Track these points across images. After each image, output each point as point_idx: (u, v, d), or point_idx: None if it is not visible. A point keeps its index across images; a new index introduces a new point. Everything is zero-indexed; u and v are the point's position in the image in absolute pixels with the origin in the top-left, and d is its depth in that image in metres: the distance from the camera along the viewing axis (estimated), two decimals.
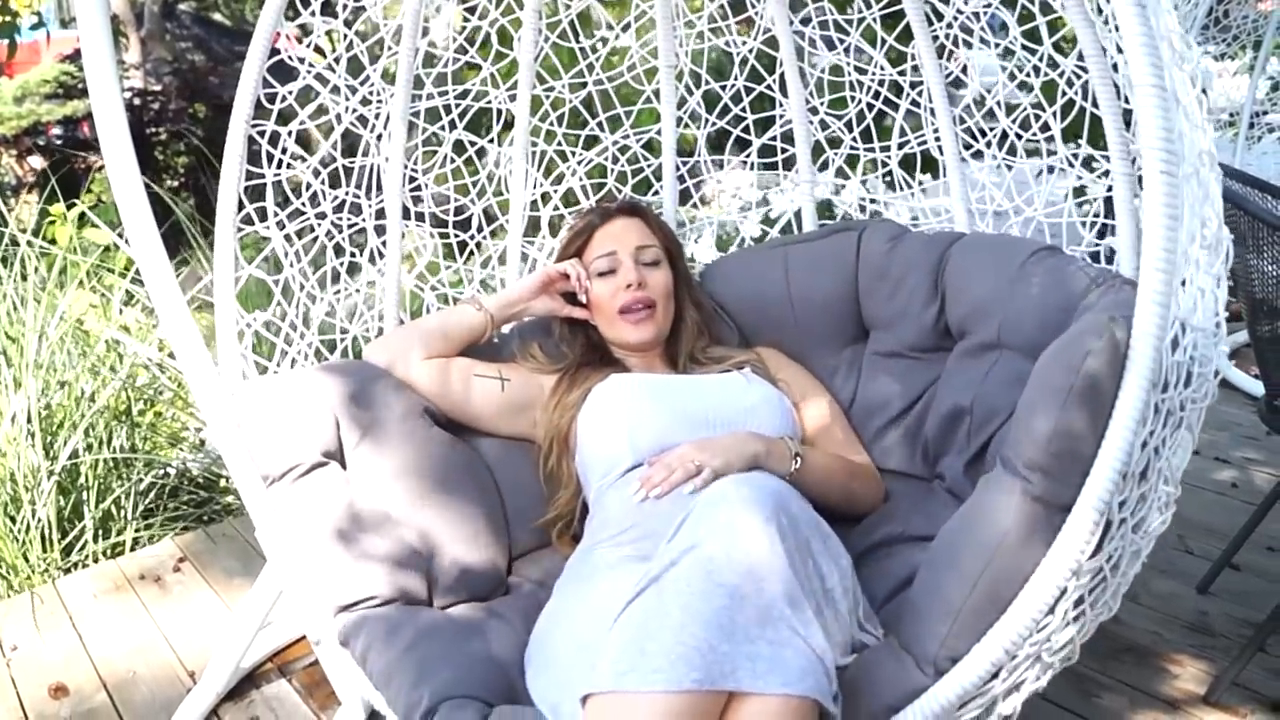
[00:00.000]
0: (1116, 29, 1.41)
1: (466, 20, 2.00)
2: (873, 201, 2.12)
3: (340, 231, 1.83)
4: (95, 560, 2.54)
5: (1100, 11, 1.51)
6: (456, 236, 2.06)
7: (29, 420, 2.54)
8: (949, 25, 1.90)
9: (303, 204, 1.77)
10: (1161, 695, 1.83)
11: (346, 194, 1.84)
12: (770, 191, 2.24)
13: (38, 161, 8.58)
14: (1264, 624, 1.80)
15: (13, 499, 2.49)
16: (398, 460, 1.54)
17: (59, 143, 8.67)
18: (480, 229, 2.08)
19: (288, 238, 1.74)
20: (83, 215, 3.57)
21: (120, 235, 3.29)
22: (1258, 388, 3.34)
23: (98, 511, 2.58)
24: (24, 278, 2.96)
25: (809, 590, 1.10)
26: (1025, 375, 1.29)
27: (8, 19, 5.44)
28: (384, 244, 1.91)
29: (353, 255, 1.86)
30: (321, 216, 1.80)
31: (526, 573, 1.63)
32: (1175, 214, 0.94)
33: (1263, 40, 4.17)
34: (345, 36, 1.76)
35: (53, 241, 3.48)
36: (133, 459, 2.72)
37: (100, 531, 2.58)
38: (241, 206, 1.65)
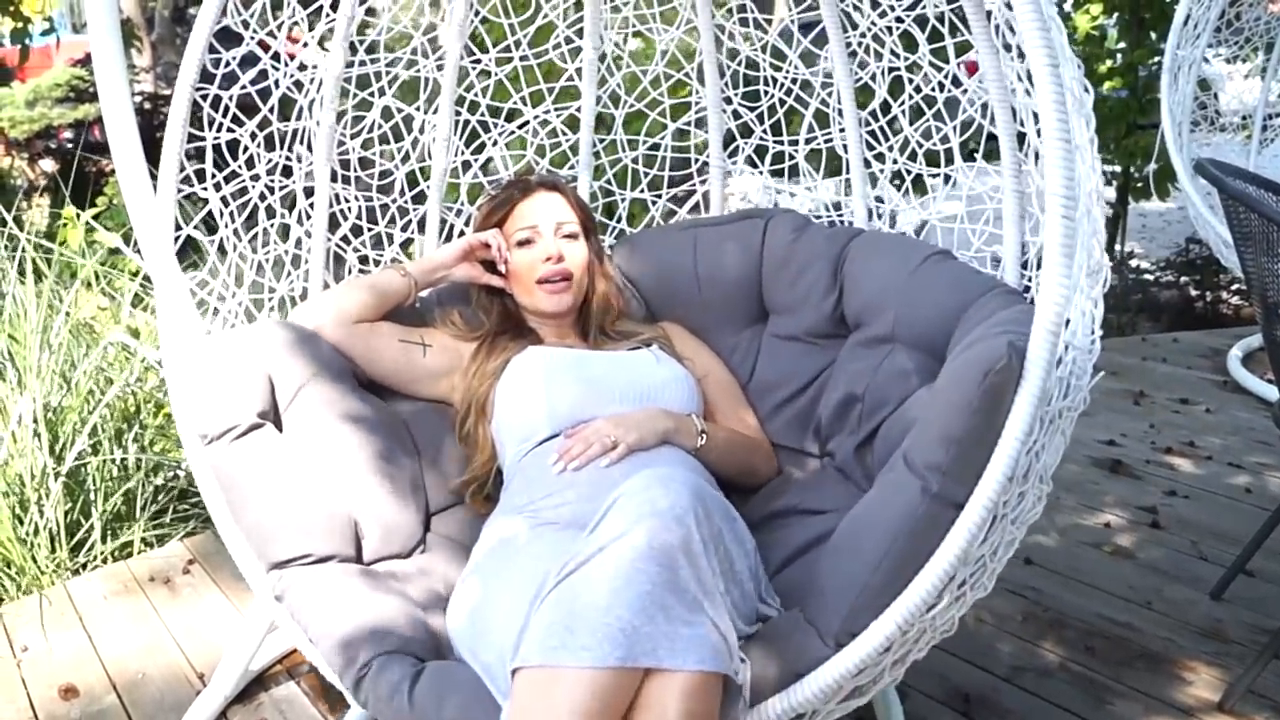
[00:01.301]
0: (1021, 58, 1.51)
1: None
2: (778, 191, 2.23)
3: (273, 194, 1.88)
4: (104, 562, 2.54)
5: (1008, 47, 1.59)
6: (379, 200, 2.10)
7: (36, 422, 2.54)
8: (862, 35, 1.99)
9: (239, 166, 1.82)
10: (1175, 702, 1.82)
11: (281, 157, 1.89)
12: (781, 197, 2.25)
13: (49, 165, 8.62)
14: (1279, 630, 1.79)
15: (20, 501, 2.49)
16: (328, 421, 1.59)
17: (70, 146, 8.71)
18: (402, 193, 2.13)
19: (224, 199, 1.80)
20: (95, 217, 3.58)
21: (127, 240, 3.30)
22: (1271, 392, 3.32)
23: (106, 513, 2.58)
24: (28, 278, 2.96)
25: (720, 573, 1.22)
26: (914, 369, 1.62)
27: (20, 24, 5.46)
28: (311, 206, 1.96)
29: (282, 216, 1.90)
30: (256, 179, 1.84)
31: (443, 530, 1.70)
32: (1070, 251, 1.06)
33: (1275, 42, 4.15)
34: (289, 5, 1.80)
35: (63, 244, 3.48)
36: (140, 460, 2.72)
37: (109, 533, 2.58)
38: (182, 169, 1.71)
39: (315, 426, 1.58)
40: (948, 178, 1.95)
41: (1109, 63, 4.85)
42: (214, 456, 1.49)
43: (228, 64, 1.75)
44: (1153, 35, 4.70)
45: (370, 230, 2.08)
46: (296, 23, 1.80)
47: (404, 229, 2.13)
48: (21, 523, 2.47)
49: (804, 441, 1.84)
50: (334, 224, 2.02)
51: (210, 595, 2.35)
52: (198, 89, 1.71)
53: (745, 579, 1.30)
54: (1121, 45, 5.01)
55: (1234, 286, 4.93)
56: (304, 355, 1.62)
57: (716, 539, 1.23)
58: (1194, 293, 5.09)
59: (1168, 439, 3.01)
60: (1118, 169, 4.78)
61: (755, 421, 1.86)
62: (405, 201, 2.13)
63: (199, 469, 1.52)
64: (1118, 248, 5.03)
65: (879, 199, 2.05)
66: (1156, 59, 4.43)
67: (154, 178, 1.59)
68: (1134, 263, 5.54)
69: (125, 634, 2.20)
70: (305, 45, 1.86)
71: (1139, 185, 4.72)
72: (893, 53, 1.95)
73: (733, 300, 2.00)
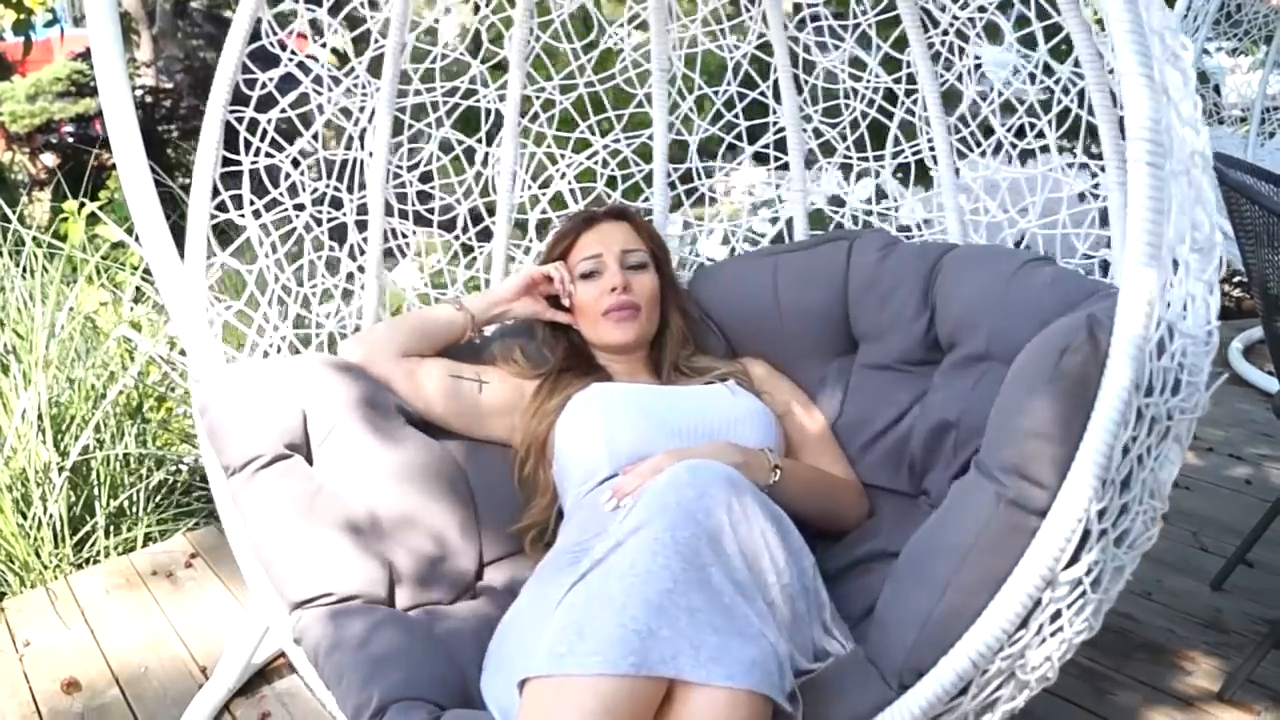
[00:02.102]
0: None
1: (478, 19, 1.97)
2: (867, 213, 2.07)
3: (319, 225, 1.81)
4: (107, 556, 2.54)
5: (1099, 22, 1.48)
6: (441, 236, 2.04)
7: (39, 417, 2.54)
8: (944, 32, 1.86)
9: (280, 194, 1.75)
10: (1175, 692, 1.82)
11: (327, 187, 1.82)
12: (783, 189, 2.20)
13: (51, 159, 8.61)
14: (1278, 621, 1.79)
15: (24, 495, 2.50)
16: (365, 458, 1.52)
17: (72, 140, 8.70)
18: (465, 229, 2.06)
19: (264, 228, 1.72)
20: (94, 213, 3.58)
21: (130, 233, 3.30)
22: (1272, 384, 3.32)
23: (109, 508, 2.59)
24: (32, 274, 2.97)
25: (762, 582, 1.09)
26: None
27: (22, 16, 5.46)
28: (364, 240, 1.89)
29: (332, 249, 1.84)
30: (300, 208, 1.78)
31: (495, 578, 1.62)
32: (1160, 206, 0.90)
33: (1274, 35, 4.15)
34: (332, 27, 1.75)
35: (64, 239, 3.49)
36: (144, 455, 2.73)
37: (112, 527, 2.59)
38: (218, 193, 1.63)
39: (350, 463, 1.51)
40: (1045, 178, 1.80)
41: None
42: (235, 488, 1.44)
43: (264, 85, 1.67)
44: None
45: (433, 267, 2.01)
46: (303, 35, 1.74)
47: (468, 266, 2.06)
48: (25, 517, 2.48)
49: (896, 480, 1.67)
50: (391, 260, 1.95)
51: (213, 589, 2.36)
52: (232, 110, 1.63)
53: (796, 596, 1.14)
54: None
55: (1235, 279, 4.92)
56: (343, 388, 1.55)
57: (758, 541, 1.11)
58: None
59: None
60: None
61: (843, 460, 1.71)
62: (469, 238, 2.05)
63: (222, 505, 1.47)
64: None
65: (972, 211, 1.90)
66: None
67: (154, 172, 1.58)
68: None
69: (128, 628, 2.21)
70: (323, 45, 1.80)
71: None
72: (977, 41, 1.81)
73: (818, 331, 1.85)
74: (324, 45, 1.73)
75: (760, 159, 2.16)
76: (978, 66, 1.85)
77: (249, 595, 2.29)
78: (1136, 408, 0.95)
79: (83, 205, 3.53)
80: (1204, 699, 1.80)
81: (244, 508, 1.43)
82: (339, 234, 1.85)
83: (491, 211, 2.08)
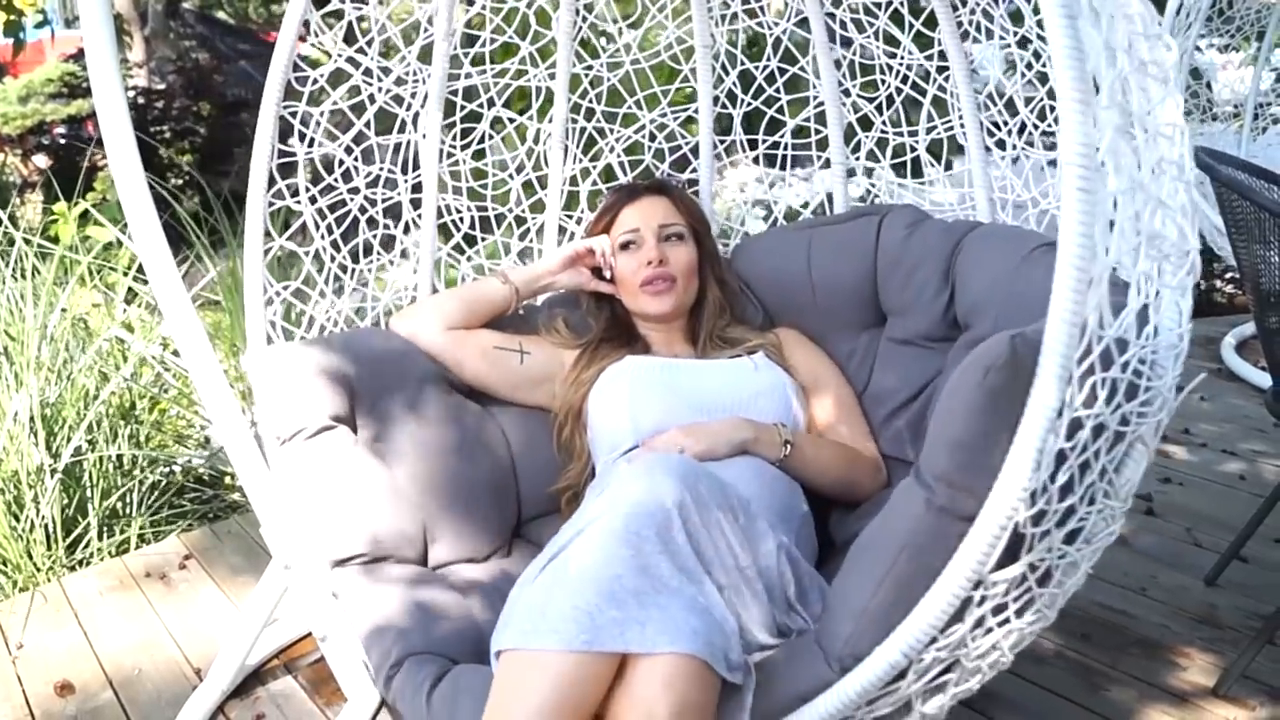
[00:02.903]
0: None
1: (499, 6, 2.03)
2: (901, 187, 2.13)
3: (373, 206, 1.92)
4: (100, 558, 2.54)
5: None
6: (494, 210, 2.13)
7: (31, 419, 2.54)
8: (972, 12, 1.90)
9: (335, 180, 1.85)
10: (1170, 688, 1.83)
11: (381, 169, 1.92)
12: (777, 188, 2.23)
13: (42, 161, 8.59)
14: (1272, 616, 1.79)
15: (16, 498, 2.49)
16: (408, 425, 1.63)
17: (63, 142, 8.68)
18: (519, 202, 2.15)
19: (319, 212, 1.82)
20: (85, 213, 3.57)
21: (124, 230, 3.29)
22: (1265, 380, 3.33)
23: (102, 509, 2.58)
24: (24, 275, 2.96)
25: (717, 568, 1.19)
26: None
27: (13, 18, 5.44)
28: (419, 216, 1.99)
29: (387, 227, 1.95)
30: (355, 191, 1.88)
31: (532, 534, 1.75)
32: (1089, 231, 0.92)
33: (1266, 32, 4.15)
34: (378, 21, 1.82)
35: (55, 240, 3.48)
36: (137, 456, 2.72)
37: (105, 529, 2.58)
38: (274, 182, 1.73)
39: (393, 431, 1.62)
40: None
41: None
42: (288, 456, 1.54)
43: (315, 81, 1.77)
44: None
45: (485, 240, 2.11)
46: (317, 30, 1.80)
47: (521, 238, 2.17)
48: (18, 519, 2.47)
49: (913, 452, 1.71)
50: (445, 234, 2.05)
51: (206, 590, 2.35)
52: (285, 106, 1.73)
53: (753, 578, 1.23)
54: None
55: (1227, 275, 4.93)
56: (389, 360, 1.68)
57: (712, 529, 1.20)
58: None
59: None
60: None
61: (865, 432, 1.78)
62: (523, 211, 2.14)
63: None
64: None
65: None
66: None
67: (149, 174, 1.58)
68: None
69: (121, 630, 2.20)
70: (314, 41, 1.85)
71: None
72: (1002, 29, 1.85)
73: (848, 304, 1.91)
74: (318, 45, 1.76)
75: (761, 158, 2.22)
76: (1003, 47, 1.88)
77: (243, 596, 2.29)
78: (1075, 419, 0.98)
79: (74, 204, 3.52)
80: (1199, 694, 1.80)
81: (290, 474, 1.55)
82: (393, 213, 1.96)
83: (544, 185, 2.18)
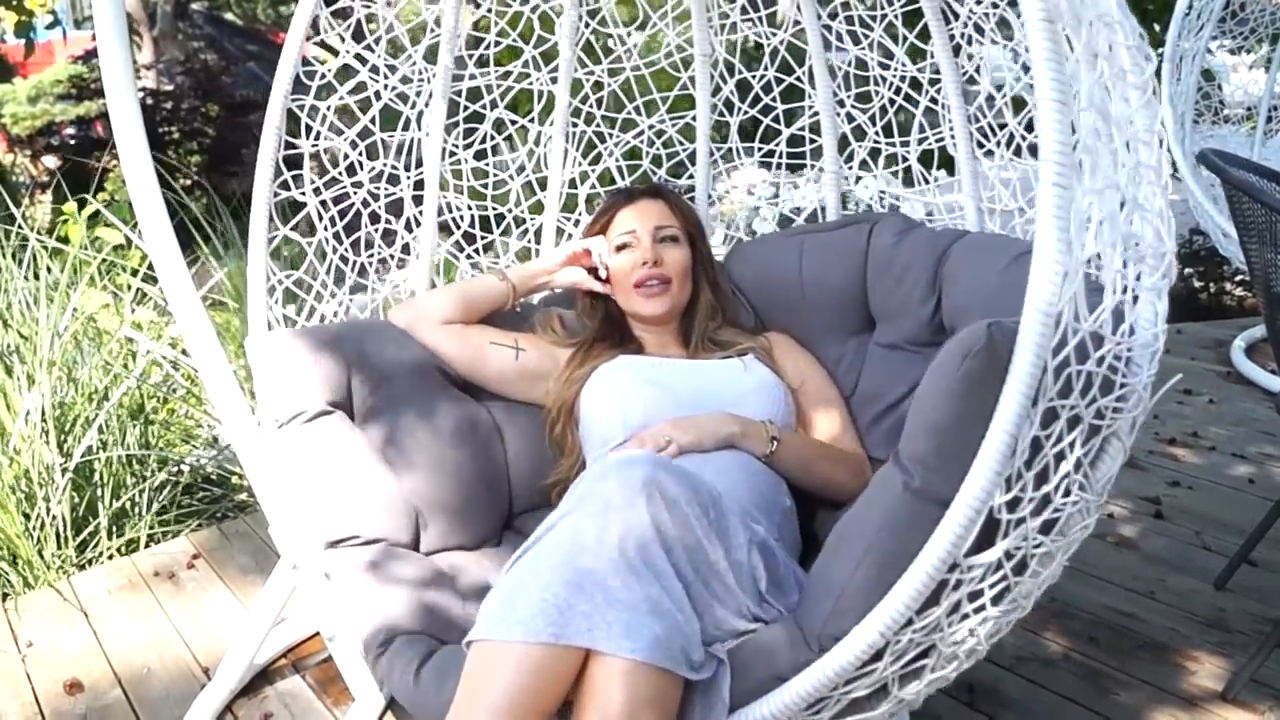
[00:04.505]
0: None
1: (504, 10, 2.06)
2: (894, 196, 2.16)
3: (376, 200, 1.95)
4: (110, 557, 2.54)
5: None
6: (494, 209, 2.16)
7: (43, 418, 2.55)
8: (964, 24, 1.92)
9: (339, 173, 1.89)
10: (1179, 692, 1.82)
11: (384, 165, 1.96)
12: (784, 189, 2.25)
13: (52, 161, 8.62)
14: None
15: (27, 496, 2.50)
16: (403, 414, 1.66)
17: (73, 143, 8.71)
18: (518, 203, 2.18)
19: (323, 204, 1.85)
20: (96, 214, 3.58)
21: (134, 229, 3.30)
22: (1275, 383, 3.32)
23: (112, 508, 2.59)
24: (36, 276, 2.97)
25: (684, 562, 1.20)
26: None
27: (23, 19, 5.47)
28: (420, 212, 2.02)
29: (388, 223, 1.98)
30: (358, 185, 1.92)
31: (523, 527, 1.76)
32: (1065, 225, 0.96)
33: (1279, 34, 4.14)
34: (385, 20, 1.85)
35: (65, 240, 3.49)
36: (146, 456, 2.73)
37: (114, 528, 2.59)
38: (280, 174, 1.77)
39: (389, 419, 1.65)
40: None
41: None
42: (285, 439, 1.58)
43: (323, 76, 1.81)
44: (1155, 26, 4.69)
45: (484, 239, 2.15)
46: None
47: (520, 237, 2.20)
48: (28, 518, 2.48)
49: None
50: (445, 232, 2.09)
51: (215, 590, 2.36)
52: (293, 99, 1.77)
53: (724, 572, 1.25)
54: None
55: (1237, 278, 4.93)
56: (387, 351, 1.71)
57: (681, 526, 1.21)
58: (1197, 284, 5.08)
59: (1171, 429, 3.01)
60: None
61: (852, 434, 1.82)
62: (522, 211, 2.18)
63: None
64: None
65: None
66: (1159, 50, 4.43)
67: (159, 173, 1.59)
68: None
69: (130, 629, 2.21)
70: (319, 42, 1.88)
71: None
72: (993, 40, 1.89)
73: (838, 308, 1.95)
74: (322, 43, 1.79)
75: (765, 164, 2.26)
76: (978, 69, 1.90)
77: (252, 595, 2.29)
78: (1050, 409, 1.02)
79: (83, 204, 3.53)
80: (1208, 699, 1.80)
81: (287, 456, 1.57)
82: (395, 208, 2.00)
83: (544, 186, 2.21)
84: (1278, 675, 1.82)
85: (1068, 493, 1.10)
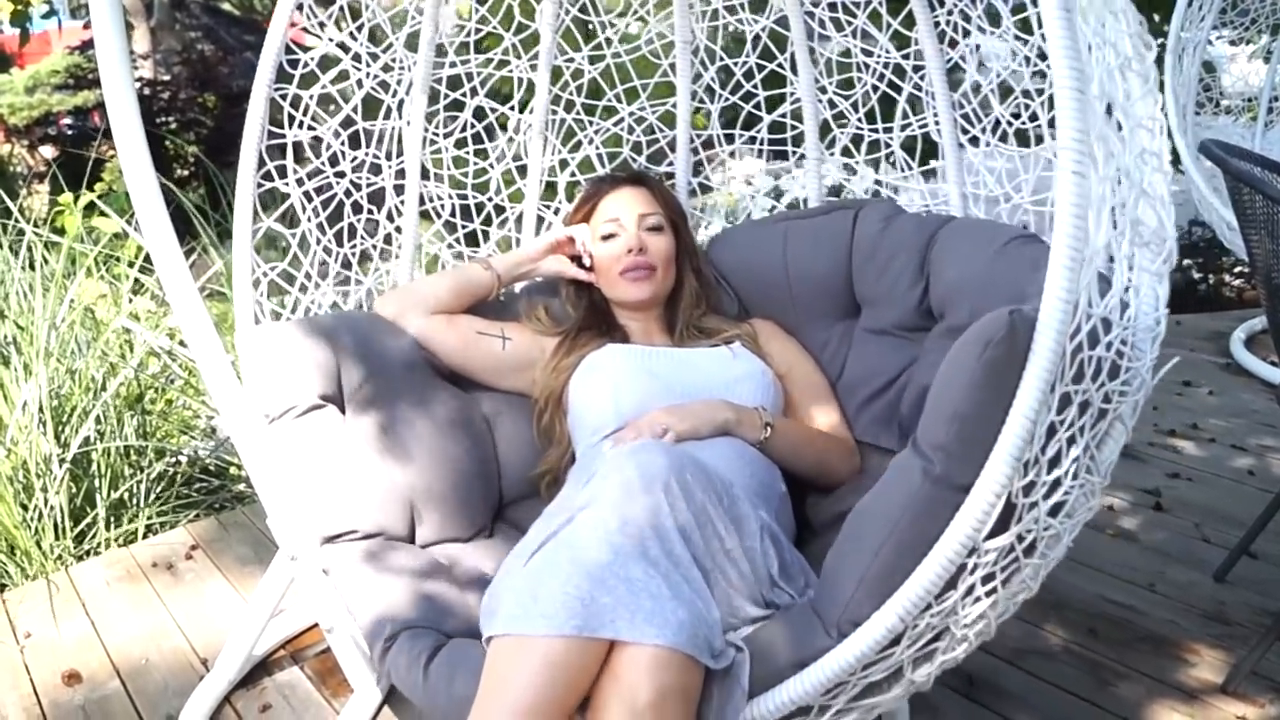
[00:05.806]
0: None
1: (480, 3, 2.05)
2: (877, 183, 2.14)
3: (359, 190, 1.93)
4: (108, 548, 2.54)
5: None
6: (474, 198, 2.14)
7: (40, 409, 2.54)
8: (949, 12, 1.92)
9: (322, 163, 1.87)
10: (1179, 684, 1.82)
11: (366, 155, 1.94)
12: (782, 180, 2.24)
13: (49, 151, 8.60)
14: None
15: (25, 487, 2.50)
16: (394, 407, 1.65)
17: (70, 133, 8.69)
18: (498, 191, 2.16)
19: (306, 194, 1.83)
20: (91, 204, 3.57)
21: (130, 221, 3.29)
22: (1275, 375, 3.32)
23: (110, 499, 2.58)
24: (33, 266, 2.96)
25: (703, 551, 1.21)
26: None
27: (19, 8, 5.45)
28: (402, 202, 2.01)
29: (371, 212, 1.96)
30: (341, 175, 1.90)
31: (513, 517, 1.77)
32: (1083, 214, 0.98)
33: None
34: (368, 6, 1.84)
35: (61, 231, 3.48)
36: (144, 447, 2.73)
37: (112, 519, 2.58)
38: (264, 164, 1.75)
39: (380, 412, 1.63)
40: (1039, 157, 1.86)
41: None
42: (277, 434, 1.56)
43: (305, 65, 1.79)
44: (1156, 17, 4.68)
45: (465, 227, 2.13)
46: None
47: (500, 226, 2.18)
48: (26, 508, 2.47)
49: (887, 438, 1.77)
50: (427, 222, 2.07)
51: (213, 581, 2.36)
52: (276, 88, 1.75)
53: (739, 558, 1.26)
54: None
55: (1237, 269, 4.93)
56: (376, 343, 1.69)
57: (699, 515, 1.22)
58: (1196, 275, 5.09)
59: (1170, 421, 3.00)
60: None
61: (839, 419, 1.81)
62: (502, 199, 2.16)
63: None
64: None
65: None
66: (1160, 41, 4.42)
67: (157, 168, 1.58)
68: None
69: (129, 620, 2.21)
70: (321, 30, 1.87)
71: None
72: (980, 29, 1.88)
73: (823, 295, 1.95)
74: (323, 34, 1.78)
75: (756, 132, 2.23)
76: (977, 48, 1.89)
77: (250, 587, 2.29)
78: (1064, 394, 1.05)
79: (78, 196, 3.52)
80: (1208, 691, 1.80)
81: (280, 452, 1.56)
82: (377, 199, 1.98)
83: (523, 174, 2.19)
84: (1278, 668, 1.82)
85: (1076, 475, 1.12)
